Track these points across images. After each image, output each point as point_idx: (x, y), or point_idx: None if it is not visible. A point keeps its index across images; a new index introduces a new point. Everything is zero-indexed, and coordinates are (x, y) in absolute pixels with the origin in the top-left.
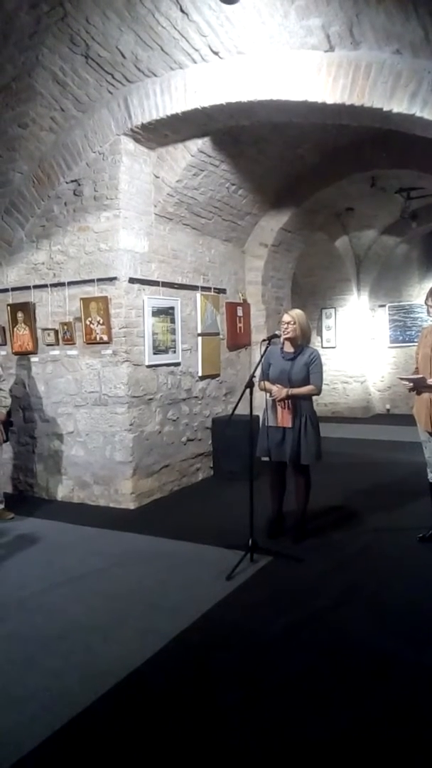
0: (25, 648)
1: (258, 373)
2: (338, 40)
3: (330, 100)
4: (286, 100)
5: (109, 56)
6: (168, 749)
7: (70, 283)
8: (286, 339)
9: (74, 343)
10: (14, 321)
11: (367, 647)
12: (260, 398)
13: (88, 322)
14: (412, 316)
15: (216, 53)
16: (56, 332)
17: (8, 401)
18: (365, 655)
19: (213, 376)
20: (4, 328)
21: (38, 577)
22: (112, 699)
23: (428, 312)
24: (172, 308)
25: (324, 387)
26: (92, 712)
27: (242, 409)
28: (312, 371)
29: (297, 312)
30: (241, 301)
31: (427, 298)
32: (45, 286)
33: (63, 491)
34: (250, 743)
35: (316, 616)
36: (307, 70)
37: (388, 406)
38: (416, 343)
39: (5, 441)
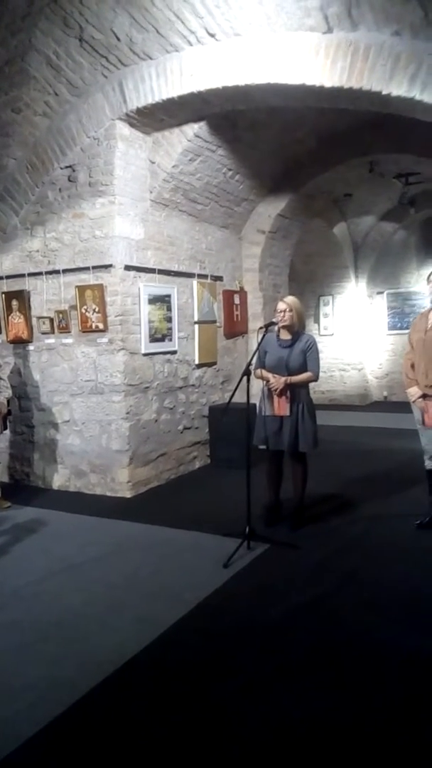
0: (22, 636)
1: (254, 360)
2: (336, 22)
3: (328, 83)
4: (284, 84)
5: (104, 39)
6: (166, 737)
7: (65, 271)
8: (282, 327)
9: (70, 332)
10: (9, 309)
11: (366, 634)
12: (257, 386)
13: (83, 310)
14: (410, 302)
15: (212, 35)
16: (51, 320)
17: (9, 392)
18: (363, 642)
19: (210, 364)
20: None
21: (35, 565)
22: (110, 687)
23: None
24: (169, 296)
25: (321, 374)
26: (90, 700)
27: (239, 398)
28: (309, 358)
29: (291, 298)
30: (238, 289)
31: (430, 275)
32: (40, 273)
33: (59, 480)
34: (248, 731)
35: (314, 603)
36: (304, 52)
37: (385, 394)
38: None
39: (4, 430)
